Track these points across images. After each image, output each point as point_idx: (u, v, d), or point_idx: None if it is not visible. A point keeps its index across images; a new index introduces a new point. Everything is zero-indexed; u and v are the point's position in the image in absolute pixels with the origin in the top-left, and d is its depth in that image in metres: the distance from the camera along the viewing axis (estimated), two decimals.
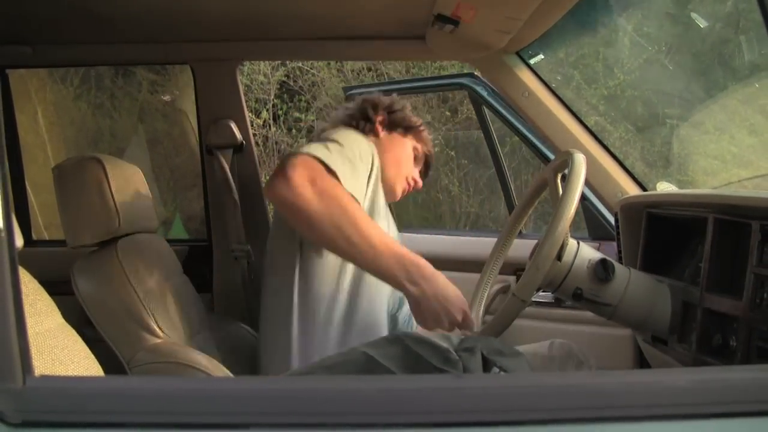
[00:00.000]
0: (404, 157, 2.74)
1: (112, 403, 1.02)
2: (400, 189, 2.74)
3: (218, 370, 2.10)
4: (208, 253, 3.34)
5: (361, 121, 2.73)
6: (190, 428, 1.01)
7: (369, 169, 2.30)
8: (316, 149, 2.10)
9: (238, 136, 3.26)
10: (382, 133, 2.72)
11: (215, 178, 3.29)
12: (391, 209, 2.60)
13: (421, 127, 2.81)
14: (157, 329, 2.15)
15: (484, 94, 3.55)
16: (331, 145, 2.17)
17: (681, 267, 2.60)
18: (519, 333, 2.85)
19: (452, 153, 7.58)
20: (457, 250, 3.63)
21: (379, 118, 2.73)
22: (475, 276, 2.63)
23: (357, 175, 2.20)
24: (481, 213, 7.69)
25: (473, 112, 3.69)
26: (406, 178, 2.75)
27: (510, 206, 3.73)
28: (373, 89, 4.44)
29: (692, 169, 6.10)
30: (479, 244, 3.55)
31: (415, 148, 2.78)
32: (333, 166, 2.08)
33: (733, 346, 2.21)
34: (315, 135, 2.60)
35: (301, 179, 1.99)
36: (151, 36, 3.05)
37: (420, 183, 2.81)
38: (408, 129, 2.76)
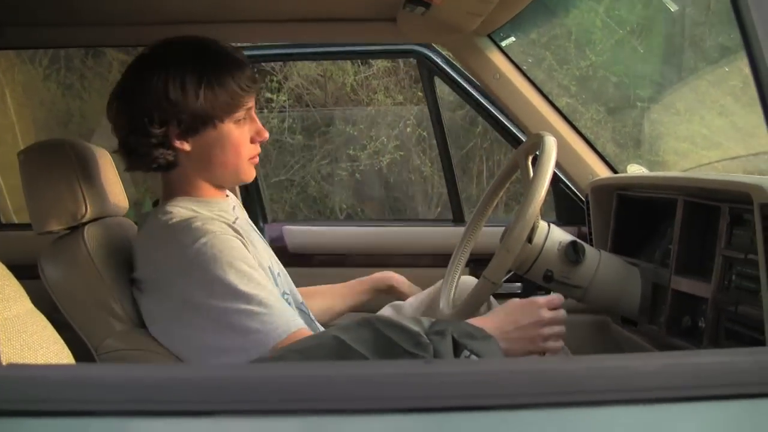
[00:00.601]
0: (230, 149, 2.12)
1: (81, 391, 1.01)
2: (246, 173, 2.19)
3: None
4: None
5: (159, 159, 2.09)
6: (160, 416, 1.01)
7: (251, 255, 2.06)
8: (259, 322, 1.90)
9: None
10: (189, 145, 2.09)
11: None
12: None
13: (230, 100, 2.09)
14: (125, 316, 2.13)
15: (439, 61, 3.43)
16: (254, 307, 1.91)
17: (651, 249, 2.62)
18: None
19: (424, 133, 7.57)
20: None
21: (175, 132, 2.07)
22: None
23: (255, 278, 2.00)
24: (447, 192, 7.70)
25: (446, 93, 3.58)
26: (249, 158, 2.18)
27: (452, 189, 3.60)
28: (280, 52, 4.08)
29: (663, 151, 6.13)
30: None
31: (238, 121, 2.12)
32: (293, 320, 1.95)
33: (701, 327, 2.23)
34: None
35: None
36: (121, 18, 3.02)
37: (266, 135, 2.20)
38: (219, 115, 2.08)
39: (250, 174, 2.20)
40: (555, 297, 2.13)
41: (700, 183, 2.35)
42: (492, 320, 2.06)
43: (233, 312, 1.91)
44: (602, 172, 3.15)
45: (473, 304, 2.27)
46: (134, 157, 2.12)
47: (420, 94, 7.66)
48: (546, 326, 2.07)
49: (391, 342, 1.60)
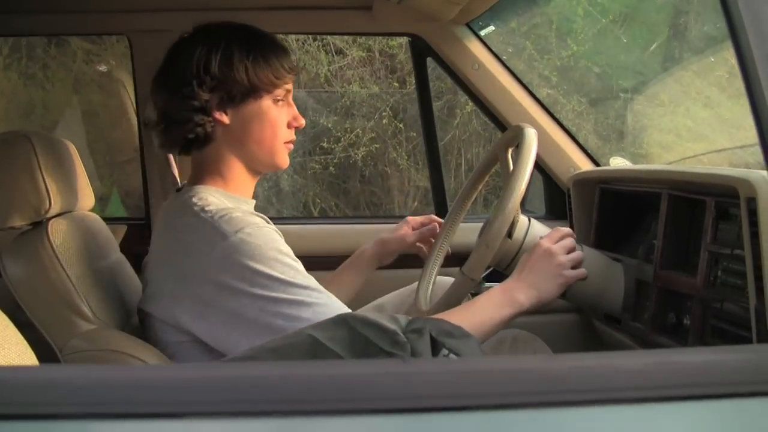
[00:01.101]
0: (267, 126, 2.17)
1: (45, 393, 1.01)
2: (280, 157, 2.22)
3: (153, 356, 2.07)
4: (146, 231, 3.31)
5: (197, 128, 2.13)
6: (128, 418, 1.00)
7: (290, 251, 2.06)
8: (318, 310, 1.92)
9: None
10: (228, 117, 2.14)
11: (154, 154, 3.25)
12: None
13: (273, 76, 2.15)
14: (91, 315, 2.11)
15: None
16: (305, 298, 1.93)
17: (634, 244, 2.63)
18: None
19: (401, 125, 7.57)
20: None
21: (215, 101, 2.12)
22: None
23: (301, 270, 2.01)
24: (430, 186, 7.70)
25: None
26: (285, 141, 2.22)
27: (436, 176, 3.53)
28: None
29: (647, 143, 6.15)
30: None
31: (276, 99, 2.18)
32: (346, 311, 1.94)
33: (687, 324, 2.24)
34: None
35: None
36: (86, 5, 3.01)
37: (302, 122, 2.25)
38: (257, 87, 2.13)
39: (284, 159, 2.23)
40: (555, 230, 2.25)
41: (685, 176, 2.35)
42: (513, 279, 2.17)
43: (282, 301, 1.92)
44: (584, 165, 3.15)
45: (451, 302, 2.27)
46: (172, 126, 2.16)
47: (396, 84, 7.66)
48: (560, 256, 2.18)
49: (367, 341, 1.60)
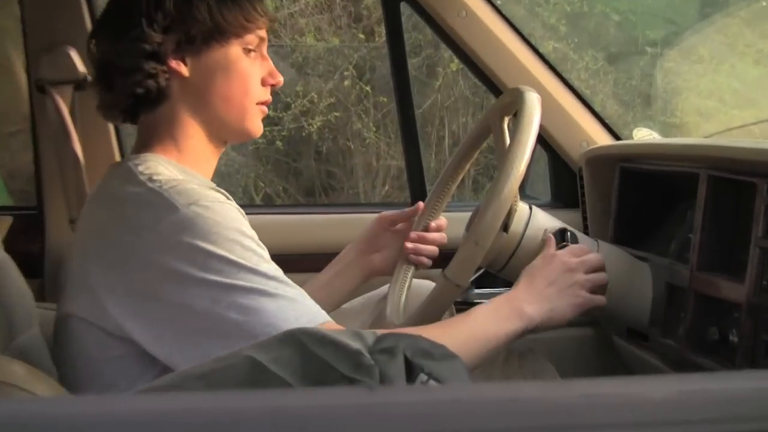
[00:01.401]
0: (236, 80, 2.17)
1: None
2: (252, 120, 2.24)
3: (45, 385, 2.04)
4: (38, 224, 3.29)
5: (147, 81, 2.10)
6: None
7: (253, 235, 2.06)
8: (299, 308, 1.94)
9: (81, 68, 3.19)
10: (187, 68, 2.14)
11: (49, 124, 3.23)
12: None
13: (243, 18, 2.15)
14: None
15: None
16: (269, 288, 1.93)
17: (665, 239, 2.63)
18: None
19: (367, 88, 7.58)
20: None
21: (170, 45, 2.10)
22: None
23: (267, 259, 2.02)
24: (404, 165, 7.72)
25: None
26: (257, 103, 2.24)
27: (412, 152, 3.54)
28: None
29: (681, 110, 6.17)
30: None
31: (247, 49, 2.18)
32: (319, 310, 1.98)
33: (733, 341, 2.24)
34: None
35: None
36: None
37: (280, 79, 2.29)
38: (223, 29, 2.12)
39: (257, 125, 2.26)
40: (578, 246, 2.31)
41: (729, 152, 2.36)
42: (521, 288, 2.19)
43: (238, 289, 1.91)
44: (600, 138, 3.16)
45: (431, 313, 2.26)
46: (115, 78, 2.13)
47: (362, 36, 7.66)
48: (579, 273, 2.22)
49: (323, 364, 1.59)
